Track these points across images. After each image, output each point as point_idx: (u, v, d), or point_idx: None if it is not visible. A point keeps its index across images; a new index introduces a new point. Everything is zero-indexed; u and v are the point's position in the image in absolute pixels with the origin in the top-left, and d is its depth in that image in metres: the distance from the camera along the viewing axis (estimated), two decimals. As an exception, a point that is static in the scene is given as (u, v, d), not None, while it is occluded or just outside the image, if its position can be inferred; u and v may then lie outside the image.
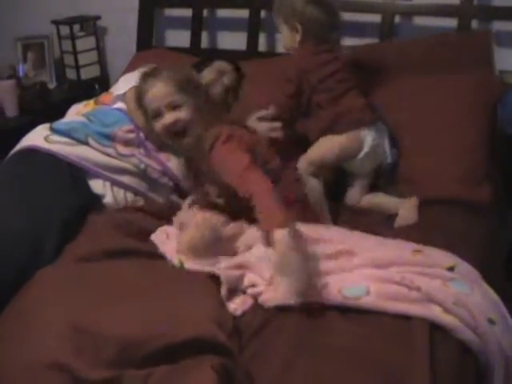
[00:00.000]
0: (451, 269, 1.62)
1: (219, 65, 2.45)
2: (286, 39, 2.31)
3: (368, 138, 2.15)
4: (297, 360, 1.41)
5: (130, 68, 2.98)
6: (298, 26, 2.23)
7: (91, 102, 2.48)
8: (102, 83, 3.54)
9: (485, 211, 2.12)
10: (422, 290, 1.54)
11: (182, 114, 2.03)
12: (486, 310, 1.54)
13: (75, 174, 2.11)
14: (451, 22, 2.62)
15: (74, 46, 3.46)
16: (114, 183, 2.17)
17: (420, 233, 1.94)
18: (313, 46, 2.24)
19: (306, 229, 1.73)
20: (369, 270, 1.64)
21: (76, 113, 2.45)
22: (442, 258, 1.67)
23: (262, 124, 2.25)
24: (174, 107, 2.03)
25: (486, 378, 1.52)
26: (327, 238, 1.79)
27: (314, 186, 2.14)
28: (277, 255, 1.59)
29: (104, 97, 2.48)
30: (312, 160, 2.17)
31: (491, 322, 1.52)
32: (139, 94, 2.11)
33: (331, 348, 1.45)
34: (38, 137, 2.21)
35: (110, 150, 2.18)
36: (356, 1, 2.74)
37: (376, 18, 2.71)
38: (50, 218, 1.94)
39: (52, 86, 3.66)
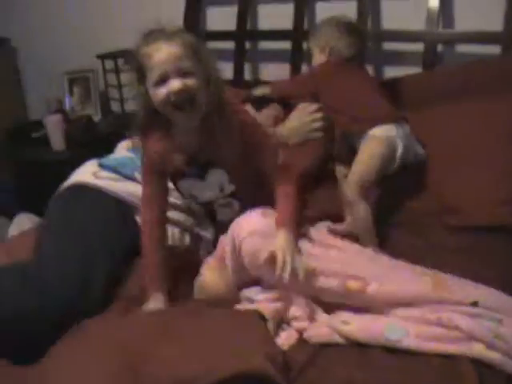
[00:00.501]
0: (475, 304, 1.59)
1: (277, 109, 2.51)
2: (315, 61, 2.43)
3: (395, 136, 2.14)
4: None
5: None
6: (326, 48, 2.38)
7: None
8: (146, 116, 3.57)
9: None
10: (462, 329, 1.52)
11: (192, 82, 1.71)
12: None
13: (124, 210, 2.11)
14: (494, 49, 2.60)
15: (118, 79, 3.53)
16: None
17: (464, 259, 1.93)
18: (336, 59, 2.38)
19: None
20: (400, 311, 1.62)
21: (125, 146, 2.49)
22: (462, 293, 1.63)
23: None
24: (183, 74, 1.71)
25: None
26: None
27: (364, 210, 2.04)
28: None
29: None
30: (357, 180, 2.07)
31: None
32: (140, 58, 1.75)
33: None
34: (86, 173, 2.23)
35: None
36: (398, 30, 2.73)
37: (419, 46, 2.70)
38: (101, 257, 1.93)
39: (97, 118, 3.74)
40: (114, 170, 2.22)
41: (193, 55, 1.73)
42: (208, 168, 1.90)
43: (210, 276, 1.87)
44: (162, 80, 1.71)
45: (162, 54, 1.70)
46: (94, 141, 3.43)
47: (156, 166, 1.89)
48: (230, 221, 1.85)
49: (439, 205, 2.22)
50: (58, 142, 3.41)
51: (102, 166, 2.26)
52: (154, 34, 1.76)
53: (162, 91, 1.71)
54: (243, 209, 1.89)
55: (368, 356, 1.54)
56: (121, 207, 2.12)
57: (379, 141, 2.12)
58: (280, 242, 1.72)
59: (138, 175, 2.17)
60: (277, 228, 1.76)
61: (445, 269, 1.85)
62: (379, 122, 2.14)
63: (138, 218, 2.07)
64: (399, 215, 2.22)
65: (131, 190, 2.14)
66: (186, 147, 1.87)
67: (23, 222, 3.30)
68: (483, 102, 2.39)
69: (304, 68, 2.98)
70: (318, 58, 2.42)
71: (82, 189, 2.15)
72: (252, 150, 1.86)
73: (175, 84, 1.69)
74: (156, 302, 1.82)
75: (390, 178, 2.18)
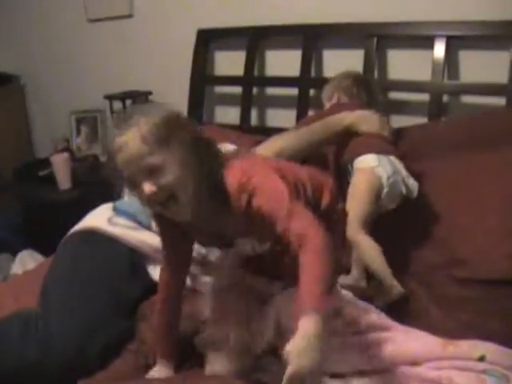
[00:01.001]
0: (482, 359, 1.59)
1: None
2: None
3: (377, 165, 2.15)
4: None
5: None
6: (333, 97, 2.45)
7: None
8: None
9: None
10: None
11: (164, 180, 1.40)
12: None
13: (136, 261, 2.07)
14: (499, 101, 2.64)
15: (125, 120, 3.53)
16: None
17: (470, 311, 1.94)
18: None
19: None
20: (405, 368, 1.61)
21: None
22: (469, 348, 1.63)
23: None
24: (150, 172, 1.40)
25: None
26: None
27: (372, 247, 2.00)
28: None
29: None
30: (353, 217, 1.99)
31: None
32: (110, 157, 1.48)
33: None
34: (101, 218, 2.18)
35: None
36: (404, 81, 2.77)
37: (424, 97, 2.73)
38: (106, 314, 1.88)
39: (104, 158, 3.75)
40: (131, 216, 2.16)
41: (158, 142, 1.41)
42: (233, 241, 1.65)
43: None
44: (133, 186, 1.45)
45: (123, 152, 1.41)
46: (100, 181, 3.45)
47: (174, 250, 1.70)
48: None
49: (447, 256, 2.23)
50: (64, 180, 3.43)
51: (116, 210, 2.21)
52: (118, 124, 1.48)
53: (140, 200, 1.47)
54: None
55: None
56: (134, 257, 2.08)
57: (362, 172, 2.15)
58: (298, 342, 1.23)
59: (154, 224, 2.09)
60: (296, 317, 1.27)
61: (450, 322, 1.88)
62: (360, 154, 2.18)
63: (151, 270, 2.05)
64: (405, 264, 2.23)
65: (146, 239, 2.09)
66: (204, 241, 1.72)
67: (26, 260, 3.33)
68: (491, 152, 2.40)
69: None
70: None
71: (95, 235, 2.10)
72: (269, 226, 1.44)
73: (146, 189, 1.40)
74: (161, 370, 1.73)
75: (395, 225, 2.20)
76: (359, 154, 2.19)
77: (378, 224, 2.18)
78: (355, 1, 2.87)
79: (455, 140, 2.54)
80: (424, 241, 2.26)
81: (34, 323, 1.82)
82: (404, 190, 2.18)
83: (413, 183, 2.20)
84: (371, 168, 2.13)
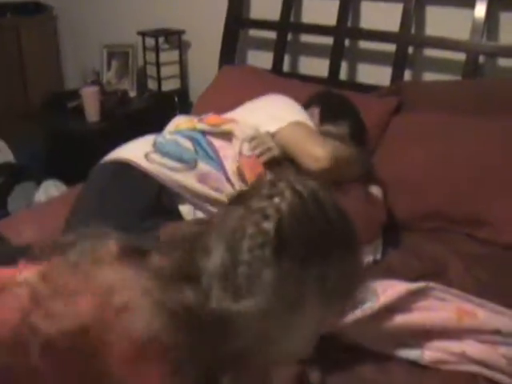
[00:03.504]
0: (497, 332, 1.59)
1: None
2: None
3: None
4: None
5: (216, 81, 3.11)
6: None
7: (194, 119, 2.31)
8: (181, 96, 3.63)
9: None
10: (474, 358, 1.55)
11: None
12: None
13: (168, 201, 1.99)
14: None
15: (157, 57, 3.55)
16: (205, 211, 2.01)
17: (490, 276, 1.94)
18: None
19: None
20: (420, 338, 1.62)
21: (176, 126, 2.33)
22: (485, 321, 1.61)
23: None
24: None
25: None
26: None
27: None
28: None
29: (211, 118, 2.28)
30: None
31: None
32: None
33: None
34: (138, 151, 2.07)
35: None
36: (442, 38, 2.72)
37: (460, 56, 2.71)
38: None
39: (133, 94, 3.77)
40: (173, 156, 2.05)
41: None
42: None
43: None
44: None
45: None
46: (128, 115, 3.47)
47: None
48: None
49: (470, 215, 2.24)
50: (92, 113, 3.44)
51: (156, 147, 2.09)
52: None
53: None
54: None
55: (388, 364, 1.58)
56: (165, 197, 1.99)
57: None
58: None
59: (201, 164, 2.05)
60: None
61: (469, 279, 1.89)
62: None
63: (182, 208, 1.99)
64: (424, 218, 2.25)
65: (180, 180, 2.00)
66: None
67: (50, 189, 3.36)
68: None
69: (343, 66, 3.01)
70: None
71: (128, 168, 2.01)
72: None
73: None
74: None
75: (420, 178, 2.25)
76: None
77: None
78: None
79: (490, 101, 2.53)
80: (448, 197, 2.27)
81: None
82: None
83: None
84: None
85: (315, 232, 0.95)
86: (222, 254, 0.93)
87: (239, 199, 1.02)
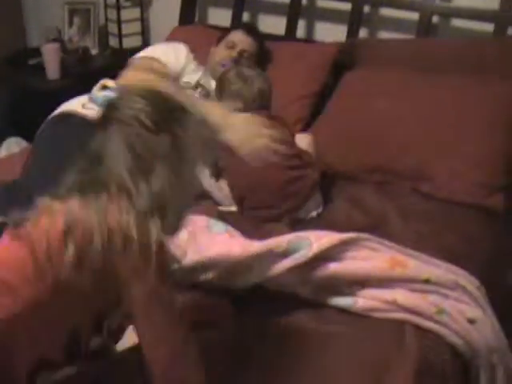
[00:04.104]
0: (427, 281, 1.67)
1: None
2: None
3: None
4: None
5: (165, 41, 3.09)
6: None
7: None
8: (142, 53, 3.61)
9: (498, 218, 2.19)
10: (404, 305, 1.63)
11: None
12: (464, 310, 1.63)
13: None
14: (488, 27, 2.65)
15: (118, 15, 3.53)
16: None
17: (430, 229, 2.02)
18: None
19: None
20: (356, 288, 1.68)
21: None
22: (416, 270, 1.69)
23: None
24: None
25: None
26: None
27: None
28: None
29: None
30: None
31: (471, 321, 1.61)
32: None
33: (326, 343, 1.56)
34: (75, 103, 2.33)
35: None
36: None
37: (414, 16, 2.74)
38: None
39: (94, 52, 3.76)
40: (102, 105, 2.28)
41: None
42: None
43: None
44: None
45: None
46: (88, 73, 3.46)
47: None
48: None
49: (415, 169, 2.30)
50: (53, 70, 3.43)
51: (91, 99, 2.28)
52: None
53: None
54: None
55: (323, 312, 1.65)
56: None
57: None
58: None
59: None
60: None
61: (410, 233, 1.96)
62: None
63: None
64: (369, 170, 2.34)
65: None
66: None
67: (12, 146, 3.38)
68: (476, 82, 2.44)
69: (361, 33, 2.93)
70: None
71: (70, 117, 2.26)
72: None
73: None
74: None
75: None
76: None
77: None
78: None
79: (442, 60, 2.58)
80: (394, 152, 2.34)
81: (17, 186, 2.04)
82: None
83: None
84: None
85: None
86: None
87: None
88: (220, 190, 2.18)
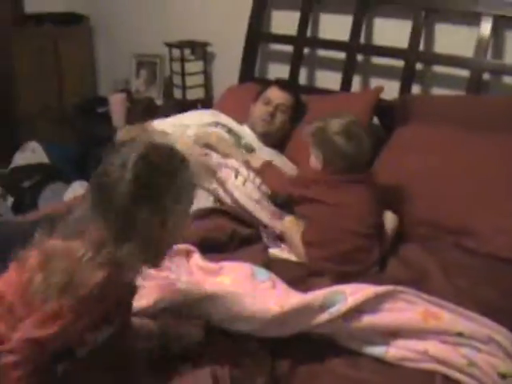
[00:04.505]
0: (460, 334, 1.70)
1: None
2: (311, 162, 2.41)
3: None
4: None
5: (222, 100, 3.34)
6: (320, 155, 2.34)
7: None
8: (205, 104, 3.78)
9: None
10: (437, 356, 1.66)
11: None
12: (496, 365, 1.64)
13: None
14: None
15: (183, 67, 3.72)
16: None
17: (470, 284, 2.04)
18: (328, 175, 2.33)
19: None
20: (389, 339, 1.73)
21: None
22: (450, 323, 1.72)
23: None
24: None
25: None
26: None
27: None
28: None
29: None
30: None
31: (503, 376, 1.62)
32: None
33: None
34: None
35: None
36: (447, 55, 2.84)
37: (465, 73, 2.81)
38: None
39: (159, 102, 3.96)
40: None
41: None
42: None
43: None
44: None
45: None
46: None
47: None
48: None
49: (459, 224, 2.33)
50: (118, 118, 3.64)
51: None
52: None
53: None
54: None
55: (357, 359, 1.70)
56: None
57: None
58: None
59: None
60: None
61: (450, 287, 2.00)
62: None
63: None
64: (415, 226, 2.37)
65: None
66: None
67: (78, 189, 3.54)
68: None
69: (355, 81, 3.14)
70: (314, 162, 2.39)
71: None
72: None
73: None
74: None
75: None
76: None
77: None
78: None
79: (492, 117, 2.62)
80: (439, 207, 2.39)
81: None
82: None
83: None
84: None
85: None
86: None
87: None
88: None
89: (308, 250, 2.19)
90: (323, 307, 1.70)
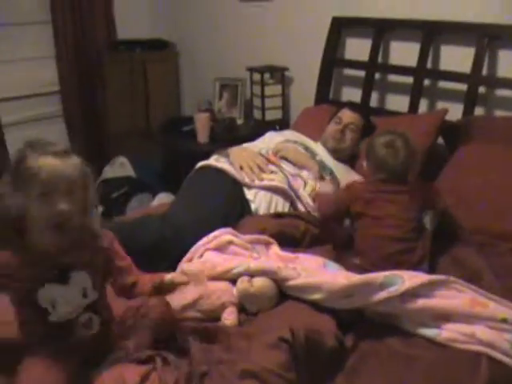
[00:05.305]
0: (504, 320, 1.89)
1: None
2: (364, 171, 2.59)
3: None
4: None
5: (298, 120, 3.70)
6: (367, 165, 2.49)
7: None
8: (282, 125, 4.06)
9: None
10: (482, 340, 1.85)
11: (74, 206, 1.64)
12: None
13: (234, 186, 2.81)
14: None
15: (262, 90, 4.02)
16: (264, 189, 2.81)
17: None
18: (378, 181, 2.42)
19: None
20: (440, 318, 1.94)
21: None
22: (495, 310, 1.92)
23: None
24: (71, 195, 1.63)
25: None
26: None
27: None
28: None
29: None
30: None
31: None
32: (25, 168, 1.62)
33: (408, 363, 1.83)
34: (210, 159, 3.04)
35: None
36: (509, 79, 3.04)
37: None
38: (211, 217, 2.54)
39: (240, 122, 4.29)
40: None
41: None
42: (69, 271, 1.67)
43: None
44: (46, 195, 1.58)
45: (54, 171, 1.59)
46: (233, 139, 3.90)
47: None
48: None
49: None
50: (203, 135, 3.95)
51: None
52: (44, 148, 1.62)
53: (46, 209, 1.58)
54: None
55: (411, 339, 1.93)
56: (234, 184, 2.82)
57: None
58: None
59: None
60: None
61: (498, 285, 2.18)
62: None
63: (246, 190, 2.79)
64: (474, 234, 2.56)
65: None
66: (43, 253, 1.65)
67: (163, 200, 3.83)
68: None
69: (422, 103, 3.38)
70: (366, 171, 2.54)
71: (206, 168, 2.95)
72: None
73: (63, 206, 1.58)
74: None
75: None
76: None
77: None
78: (468, 2, 3.15)
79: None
80: (495, 216, 2.59)
81: (167, 218, 2.55)
82: None
83: None
84: None
85: None
86: None
87: None
88: None
89: (359, 259, 2.34)
90: (383, 286, 1.95)
